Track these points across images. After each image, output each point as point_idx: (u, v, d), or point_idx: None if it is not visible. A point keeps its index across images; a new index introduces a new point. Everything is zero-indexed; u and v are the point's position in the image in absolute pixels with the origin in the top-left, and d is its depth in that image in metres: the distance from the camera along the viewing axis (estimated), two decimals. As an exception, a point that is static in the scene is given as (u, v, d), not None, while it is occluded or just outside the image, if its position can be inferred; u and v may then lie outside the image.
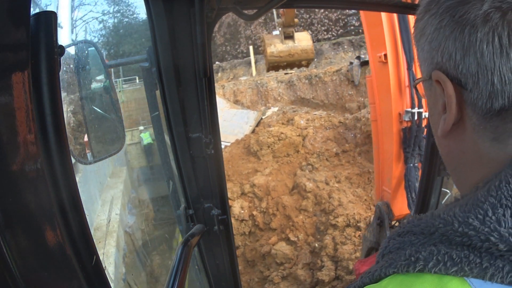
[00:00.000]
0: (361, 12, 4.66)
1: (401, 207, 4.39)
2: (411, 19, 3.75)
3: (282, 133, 12.12)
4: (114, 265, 7.73)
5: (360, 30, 23.77)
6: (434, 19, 0.59)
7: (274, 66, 7.86)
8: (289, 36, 7.57)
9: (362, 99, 14.36)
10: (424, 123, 4.19)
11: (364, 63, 15.01)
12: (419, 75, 4.07)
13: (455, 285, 0.50)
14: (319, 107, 15.89)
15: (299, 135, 12.20)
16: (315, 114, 13.74)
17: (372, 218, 8.19)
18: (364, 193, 9.47)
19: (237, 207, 9.96)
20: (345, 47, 22.75)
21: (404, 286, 0.53)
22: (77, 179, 0.76)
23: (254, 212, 9.94)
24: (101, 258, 0.81)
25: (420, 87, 0.73)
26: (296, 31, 8.14)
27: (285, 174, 11.00)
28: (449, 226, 0.53)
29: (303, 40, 7.73)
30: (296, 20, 7.52)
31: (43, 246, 0.66)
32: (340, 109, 14.95)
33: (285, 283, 8.24)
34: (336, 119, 12.78)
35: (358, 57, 15.87)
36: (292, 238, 9.11)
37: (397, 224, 4.36)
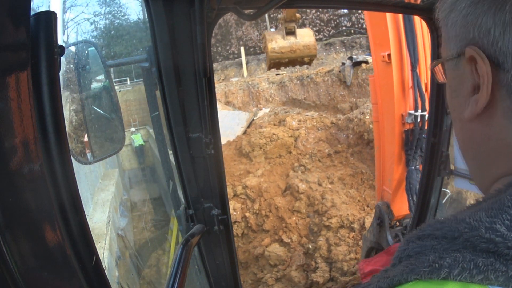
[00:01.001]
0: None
1: (401, 207, 4.34)
2: (417, 20, 3.72)
3: (274, 134, 12.13)
4: (107, 269, 7.68)
5: (352, 31, 23.83)
6: None
7: (276, 63, 7.65)
8: (290, 32, 7.43)
9: (354, 99, 14.41)
10: (426, 125, 4.04)
11: (356, 64, 15.07)
12: (423, 76, 3.97)
13: None
14: (311, 108, 15.90)
15: (291, 136, 12.22)
16: (307, 115, 13.75)
17: (365, 219, 8.23)
18: (358, 194, 9.47)
19: (230, 208, 9.89)
20: (337, 47, 22.81)
21: None
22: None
23: (247, 214, 9.92)
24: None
25: (437, 70, 0.69)
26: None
27: (278, 175, 11.00)
28: (475, 231, 0.51)
29: (305, 36, 7.57)
30: (298, 15, 7.37)
31: (43, 246, 0.66)
32: (332, 110, 14.97)
33: (279, 285, 8.21)
34: (328, 120, 12.81)
35: (350, 58, 15.90)
36: (286, 240, 9.09)
37: (397, 224, 4.37)
